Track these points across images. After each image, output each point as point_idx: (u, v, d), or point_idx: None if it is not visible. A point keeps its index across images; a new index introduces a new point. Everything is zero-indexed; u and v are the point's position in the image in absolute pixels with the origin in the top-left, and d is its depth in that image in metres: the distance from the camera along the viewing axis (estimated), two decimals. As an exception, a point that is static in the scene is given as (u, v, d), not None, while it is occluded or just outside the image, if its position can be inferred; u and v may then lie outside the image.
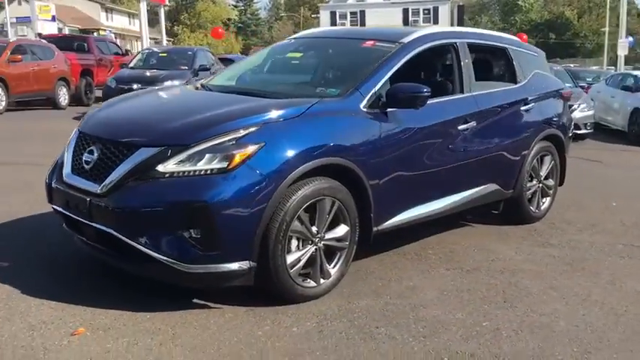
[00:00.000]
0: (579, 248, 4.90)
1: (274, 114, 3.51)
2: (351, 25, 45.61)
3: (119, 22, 61.27)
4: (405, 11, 45.52)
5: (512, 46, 5.37)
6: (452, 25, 45.62)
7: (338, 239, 3.75)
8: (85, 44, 18.24)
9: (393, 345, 3.16)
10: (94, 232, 3.46)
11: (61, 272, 3.97)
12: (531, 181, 5.42)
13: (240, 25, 77.18)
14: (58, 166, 3.82)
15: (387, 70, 4.09)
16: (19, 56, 13.89)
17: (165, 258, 3.23)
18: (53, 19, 44.95)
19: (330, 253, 3.76)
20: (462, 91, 4.64)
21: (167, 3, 17.40)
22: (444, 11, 45.72)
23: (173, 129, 3.41)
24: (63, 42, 18.10)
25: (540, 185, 5.52)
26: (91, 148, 3.55)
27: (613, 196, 6.81)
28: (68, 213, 3.61)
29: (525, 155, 5.17)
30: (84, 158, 3.55)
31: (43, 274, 3.90)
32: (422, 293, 3.87)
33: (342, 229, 3.75)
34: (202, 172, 3.24)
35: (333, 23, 45.37)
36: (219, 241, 3.24)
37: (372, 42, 4.46)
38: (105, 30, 52.26)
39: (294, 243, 3.55)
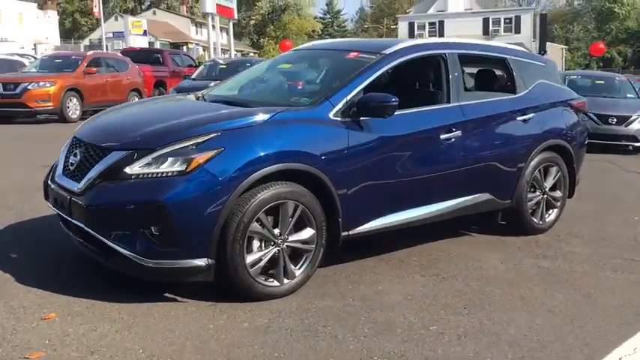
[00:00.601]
0: (574, 261, 4.82)
1: (237, 121, 3.75)
2: (429, 35, 45.46)
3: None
4: (485, 21, 44.66)
5: (514, 56, 5.35)
6: (534, 35, 44.45)
7: (303, 242, 3.92)
8: (160, 57, 19.32)
9: (330, 343, 3.30)
10: (75, 227, 3.82)
11: (57, 265, 4.34)
12: (534, 192, 5.37)
13: (327, 36, 78.54)
14: (54, 167, 4.21)
15: (363, 80, 4.24)
16: (94, 68, 14.89)
17: (129, 253, 3.53)
18: (144, 33, 47.89)
19: (296, 254, 3.94)
20: (449, 101, 4.70)
21: (235, 17, 18.08)
22: (527, 20, 44.51)
23: (142, 134, 3.72)
24: (141, 55, 19.33)
25: (545, 197, 5.45)
26: (76, 151, 3.93)
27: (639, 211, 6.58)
28: (57, 210, 3.99)
29: (524, 165, 5.13)
30: (70, 160, 3.93)
31: (41, 266, 4.30)
32: (386, 297, 3.97)
33: (307, 233, 3.93)
34: (163, 174, 3.52)
35: (411, 34, 45.21)
36: (176, 238, 3.50)
37: (356, 53, 4.62)
38: (192, 43, 54.59)
39: (255, 243, 3.76)
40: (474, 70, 5.49)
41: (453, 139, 4.59)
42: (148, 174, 3.53)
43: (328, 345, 3.28)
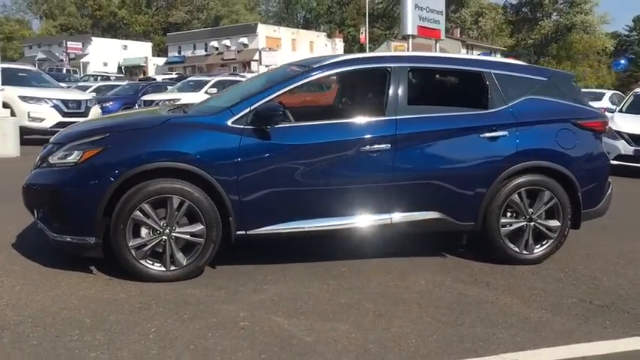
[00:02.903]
0: (510, 293, 4.34)
1: (131, 124, 4.39)
2: None
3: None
4: None
5: (496, 69, 4.92)
6: None
7: (193, 234, 4.35)
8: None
9: (143, 317, 3.71)
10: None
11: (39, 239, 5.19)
12: (515, 217, 4.89)
13: (631, 56, 71.82)
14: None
15: (273, 91, 4.52)
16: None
17: (43, 226, 4.40)
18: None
19: (190, 246, 4.38)
20: (383, 114, 4.63)
21: (442, 37, 18.09)
22: None
23: (69, 132, 4.60)
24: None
25: (532, 224, 4.89)
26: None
27: None
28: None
29: (489, 186, 4.73)
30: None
31: (33, 239, 5.35)
32: (255, 296, 4.17)
33: (197, 227, 4.35)
34: (66, 164, 4.31)
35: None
36: (66, 217, 4.27)
37: (294, 67, 4.85)
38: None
39: (144, 230, 4.31)
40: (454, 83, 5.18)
41: (378, 153, 4.53)
42: (60, 163, 4.36)
43: (137, 319, 3.69)
